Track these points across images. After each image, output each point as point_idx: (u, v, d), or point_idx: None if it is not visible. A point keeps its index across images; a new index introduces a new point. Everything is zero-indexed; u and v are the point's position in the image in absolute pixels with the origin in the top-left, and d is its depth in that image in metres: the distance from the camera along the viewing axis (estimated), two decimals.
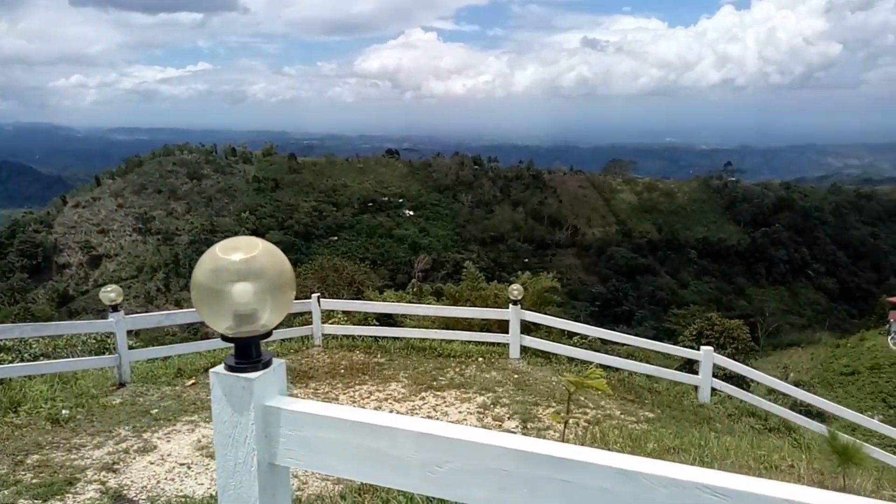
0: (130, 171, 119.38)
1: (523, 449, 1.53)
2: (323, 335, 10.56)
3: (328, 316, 14.25)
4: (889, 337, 57.06)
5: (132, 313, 9.55)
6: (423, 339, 10.44)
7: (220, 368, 1.61)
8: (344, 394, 8.13)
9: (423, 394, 8.19)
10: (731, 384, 12.42)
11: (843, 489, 4.88)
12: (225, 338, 1.59)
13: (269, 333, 1.61)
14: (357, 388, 8.36)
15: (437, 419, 7.39)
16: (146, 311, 33.84)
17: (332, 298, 14.38)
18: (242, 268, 1.54)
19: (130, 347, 8.37)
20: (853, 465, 4.96)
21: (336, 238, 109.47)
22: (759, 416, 9.37)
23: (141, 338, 17.01)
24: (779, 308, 79.54)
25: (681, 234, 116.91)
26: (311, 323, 10.52)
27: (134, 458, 5.79)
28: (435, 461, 1.56)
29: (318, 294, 11.08)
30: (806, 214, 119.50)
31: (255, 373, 1.56)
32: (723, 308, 75.38)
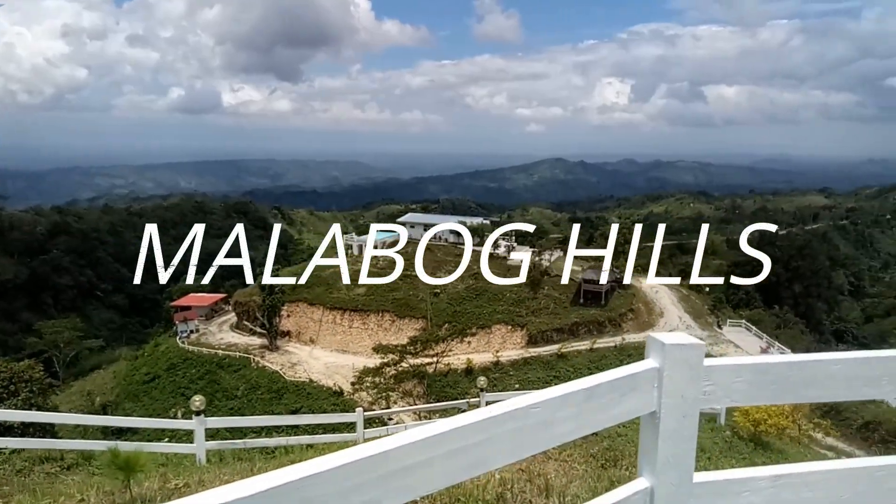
0: None
1: None
2: None
3: None
4: (178, 337, 64.11)
5: None
6: None
7: None
8: None
9: None
10: (24, 433, 11.20)
11: (132, 500, 5.08)
12: None
13: None
14: None
15: None
16: None
17: None
18: None
19: None
20: (138, 473, 5.22)
21: None
22: (56, 459, 8.75)
23: None
24: (74, 336, 76.57)
25: None
26: None
27: None
28: None
29: None
30: (84, 237, 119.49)
31: None
32: (11, 350, 67.25)
